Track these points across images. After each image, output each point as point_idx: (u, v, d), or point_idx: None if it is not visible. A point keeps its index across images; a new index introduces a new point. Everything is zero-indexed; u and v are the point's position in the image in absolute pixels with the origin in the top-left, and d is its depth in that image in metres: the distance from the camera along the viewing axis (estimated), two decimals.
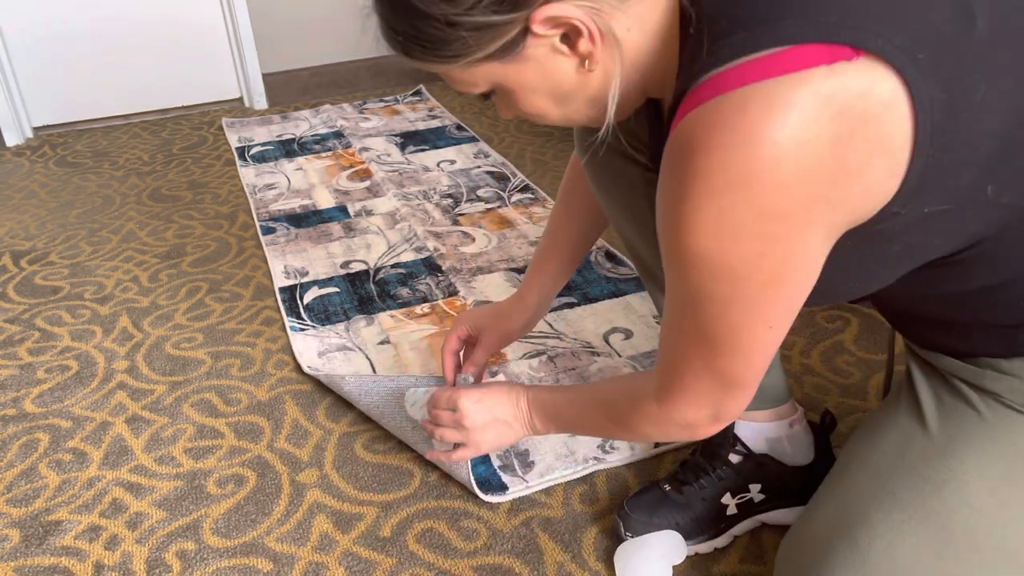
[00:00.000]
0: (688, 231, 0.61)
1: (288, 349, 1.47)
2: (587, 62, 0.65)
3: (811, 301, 0.67)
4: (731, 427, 1.01)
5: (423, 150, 2.37)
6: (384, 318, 1.54)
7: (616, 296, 1.56)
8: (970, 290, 0.69)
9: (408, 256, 1.76)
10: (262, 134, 2.59)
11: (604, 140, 0.69)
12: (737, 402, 0.73)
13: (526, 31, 0.63)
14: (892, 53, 0.56)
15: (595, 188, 0.99)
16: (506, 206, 1.97)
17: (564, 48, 0.64)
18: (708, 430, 0.76)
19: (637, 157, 0.91)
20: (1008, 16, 0.60)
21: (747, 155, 0.56)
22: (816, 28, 0.56)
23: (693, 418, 0.75)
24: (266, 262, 1.78)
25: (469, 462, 1.08)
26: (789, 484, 1.01)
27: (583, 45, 0.63)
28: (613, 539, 1.04)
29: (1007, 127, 0.60)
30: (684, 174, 0.59)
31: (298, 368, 1.41)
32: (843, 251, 0.64)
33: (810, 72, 0.55)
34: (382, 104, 2.82)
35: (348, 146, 2.44)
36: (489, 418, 0.96)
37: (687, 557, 1.00)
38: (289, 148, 2.45)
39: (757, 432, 1.01)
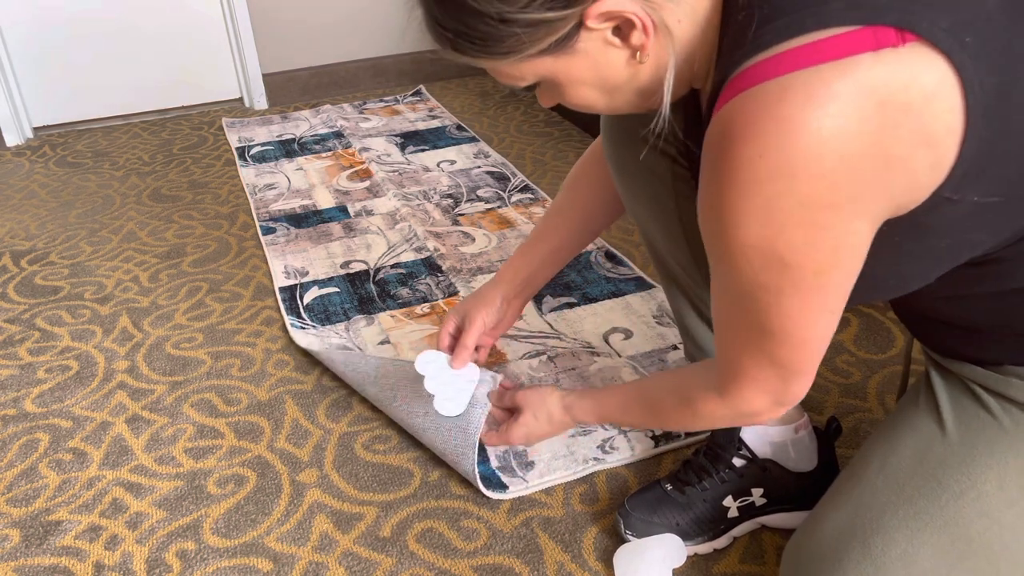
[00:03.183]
0: (735, 222, 0.61)
1: (288, 349, 1.47)
2: (639, 54, 0.65)
3: (854, 299, 0.67)
4: (736, 430, 1.01)
5: (423, 150, 2.37)
6: (384, 318, 1.54)
7: (616, 296, 1.56)
8: (1004, 291, 0.69)
9: (408, 256, 1.76)
10: (262, 134, 2.59)
11: (661, 132, 0.70)
12: (800, 387, 0.73)
13: (579, 25, 0.63)
14: (939, 36, 0.55)
15: (618, 179, 0.98)
16: (506, 206, 1.97)
17: (616, 40, 0.64)
18: (775, 414, 0.77)
19: (667, 149, 0.90)
20: None
21: (788, 144, 0.56)
22: (861, 10, 0.56)
23: (758, 406, 0.76)
24: (266, 262, 1.78)
25: (475, 459, 1.09)
26: (792, 489, 1.01)
27: (636, 37, 0.63)
28: (613, 539, 1.04)
29: None
30: (726, 164, 0.59)
31: (298, 368, 1.41)
32: (891, 247, 0.64)
33: (854, 60, 0.55)
34: (382, 104, 2.82)
35: (348, 146, 2.44)
36: (537, 401, 1.04)
37: (686, 557, 1.00)
38: (289, 148, 2.45)
39: (762, 437, 1.01)
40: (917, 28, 0.55)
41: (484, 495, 1.11)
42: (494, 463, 1.16)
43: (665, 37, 0.64)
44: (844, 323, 1.42)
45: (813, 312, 0.66)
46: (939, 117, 0.57)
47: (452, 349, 1.13)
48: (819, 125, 0.55)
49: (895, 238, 0.63)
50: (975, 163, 0.58)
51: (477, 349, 1.15)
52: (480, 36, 0.64)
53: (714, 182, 0.61)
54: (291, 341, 1.48)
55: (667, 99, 0.67)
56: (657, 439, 1.18)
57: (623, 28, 0.64)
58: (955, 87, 0.56)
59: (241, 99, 2.95)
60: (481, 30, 0.64)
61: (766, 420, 0.78)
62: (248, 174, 2.27)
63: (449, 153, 2.34)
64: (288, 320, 1.54)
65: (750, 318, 0.68)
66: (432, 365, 1.10)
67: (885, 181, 0.58)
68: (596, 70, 0.67)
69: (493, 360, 1.38)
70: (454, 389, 1.09)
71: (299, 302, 1.61)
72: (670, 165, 0.90)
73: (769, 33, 0.58)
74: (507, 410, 1.10)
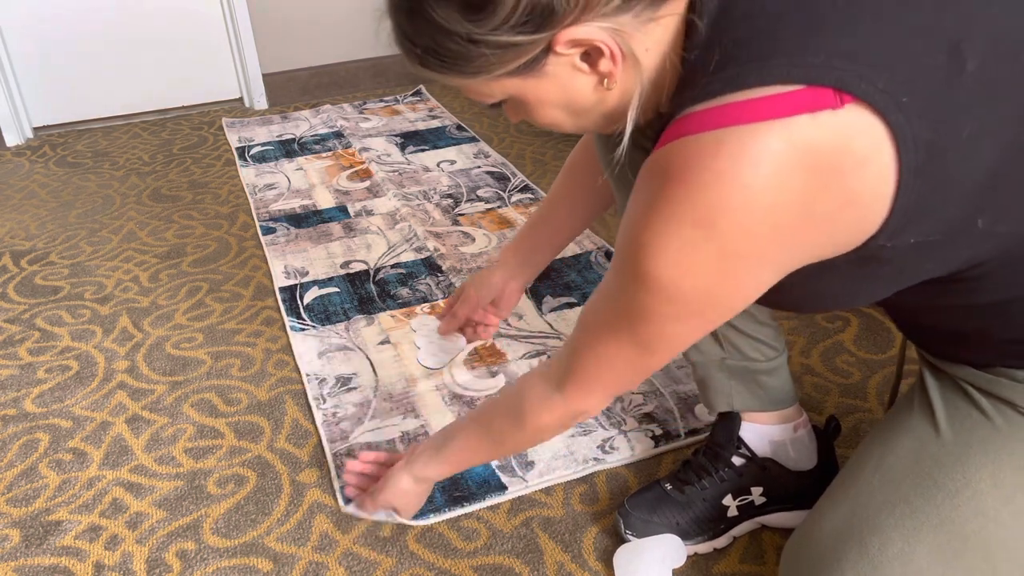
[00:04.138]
0: (649, 254, 0.62)
1: (288, 349, 1.47)
2: (606, 81, 0.66)
3: (805, 309, 0.69)
4: (735, 429, 1.01)
5: (423, 150, 2.37)
6: (384, 318, 1.54)
7: None
8: (979, 304, 0.69)
9: (408, 256, 1.76)
10: (262, 134, 2.59)
11: (619, 161, 0.70)
12: (634, 388, 0.77)
13: (548, 50, 0.63)
14: (876, 96, 0.56)
15: (612, 179, 0.99)
16: (506, 206, 1.97)
17: (584, 66, 0.65)
18: (594, 413, 0.81)
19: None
20: (999, 59, 0.60)
21: (717, 195, 0.57)
22: (802, 69, 0.57)
23: (589, 405, 0.79)
24: (266, 262, 1.79)
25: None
26: (791, 488, 1.01)
27: (604, 64, 0.64)
28: (613, 539, 1.04)
29: (996, 163, 0.61)
30: (655, 199, 0.61)
31: (298, 368, 1.41)
32: (834, 271, 0.65)
33: (790, 121, 0.56)
34: (382, 104, 2.82)
35: (348, 146, 2.44)
36: (390, 494, 1.01)
37: (686, 557, 1.00)
38: (289, 148, 2.46)
39: (761, 435, 1.01)
40: (854, 89, 0.56)
41: (485, 495, 1.11)
42: (494, 463, 1.16)
43: (633, 65, 0.65)
44: (844, 323, 1.43)
45: (692, 337, 0.69)
46: (867, 180, 0.58)
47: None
48: (749, 182, 0.56)
49: (839, 264, 0.64)
50: (908, 215, 0.60)
51: (475, 326, 1.18)
52: (449, 54, 0.64)
53: (641, 210, 0.63)
54: (291, 341, 1.48)
55: (630, 127, 0.68)
56: (657, 439, 1.19)
57: (592, 55, 0.64)
58: (890, 148, 0.57)
59: (241, 99, 2.95)
60: (450, 48, 0.64)
61: (585, 419, 0.82)
62: (248, 174, 2.27)
63: (449, 153, 2.34)
64: (288, 321, 1.54)
65: (630, 334, 0.70)
66: (426, 328, 1.19)
67: (804, 238, 0.60)
68: (563, 93, 0.68)
69: (493, 360, 1.38)
70: (438, 347, 1.16)
71: (299, 302, 1.61)
72: None
73: (717, 83, 0.59)
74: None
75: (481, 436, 0.91)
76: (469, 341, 1.19)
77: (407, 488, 1.00)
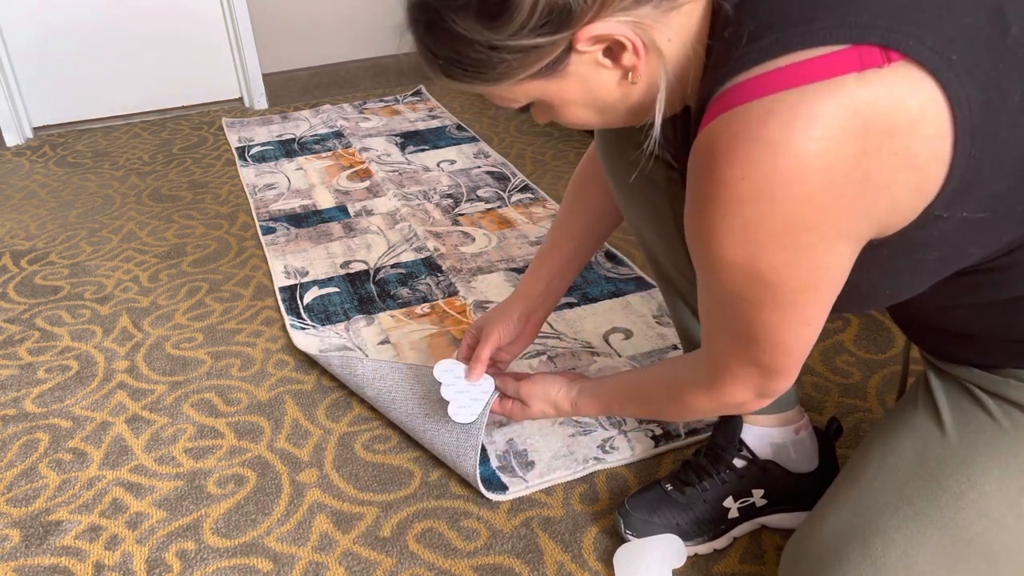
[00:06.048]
0: (716, 240, 0.61)
1: (288, 349, 1.47)
2: (630, 75, 0.65)
3: (842, 309, 0.68)
4: (737, 431, 1.01)
5: (423, 150, 2.37)
6: (384, 318, 1.54)
7: (616, 296, 1.56)
8: (999, 300, 0.69)
9: (408, 256, 1.76)
10: (262, 134, 2.59)
11: (651, 153, 0.70)
12: (782, 384, 0.75)
13: (569, 49, 0.63)
14: (924, 55, 0.55)
15: (613, 184, 0.98)
16: (506, 206, 1.97)
17: (607, 62, 0.65)
18: (758, 405, 0.79)
19: (662, 155, 0.90)
20: None
21: (770, 166, 0.56)
22: (846, 29, 0.56)
23: (742, 399, 0.78)
24: (266, 262, 1.78)
25: (476, 460, 1.09)
26: (792, 490, 1.01)
27: (627, 58, 0.64)
28: (613, 539, 1.04)
29: None
30: (709, 183, 0.60)
31: (298, 368, 1.41)
32: (878, 262, 0.64)
33: (839, 81, 0.55)
34: (382, 104, 2.82)
35: (348, 146, 2.44)
36: (542, 395, 1.04)
37: (686, 558, 1.00)
38: (289, 148, 2.45)
39: (762, 438, 1.01)
40: (902, 47, 0.55)
41: (484, 495, 1.11)
42: (494, 463, 1.16)
43: (656, 57, 0.64)
44: (844, 323, 1.43)
45: (793, 325, 0.67)
46: (923, 140, 0.57)
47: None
48: (802, 148, 0.55)
49: (884, 252, 0.64)
50: (964, 180, 0.59)
51: (495, 363, 1.14)
52: (471, 63, 0.64)
53: (698, 199, 0.62)
54: (291, 341, 1.48)
55: (659, 119, 0.67)
56: (657, 439, 1.18)
57: (614, 49, 0.64)
58: (942, 106, 0.56)
59: (241, 99, 2.95)
60: (472, 57, 0.64)
61: (751, 410, 0.81)
62: (248, 174, 2.27)
63: (449, 153, 2.34)
64: (288, 320, 1.54)
65: (733, 324, 0.69)
66: (449, 373, 1.11)
67: (867, 204, 0.59)
68: (588, 91, 0.67)
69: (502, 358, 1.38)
70: (468, 398, 1.10)
71: (299, 302, 1.61)
72: (665, 170, 0.90)
73: (755, 51, 0.58)
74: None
75: (641, 409, 0.96)
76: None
77: (557, 400, 1.02)
